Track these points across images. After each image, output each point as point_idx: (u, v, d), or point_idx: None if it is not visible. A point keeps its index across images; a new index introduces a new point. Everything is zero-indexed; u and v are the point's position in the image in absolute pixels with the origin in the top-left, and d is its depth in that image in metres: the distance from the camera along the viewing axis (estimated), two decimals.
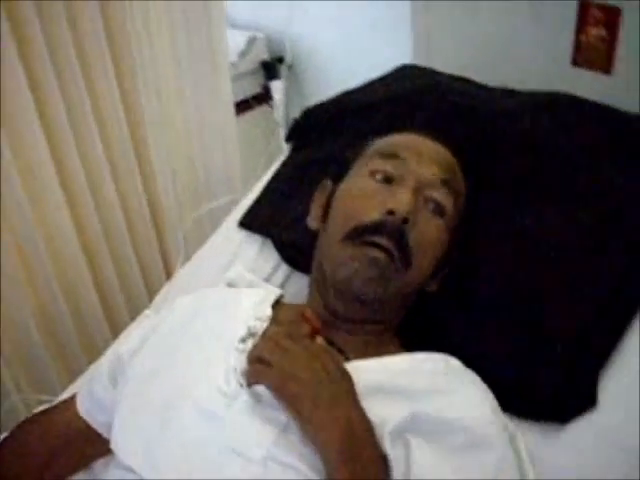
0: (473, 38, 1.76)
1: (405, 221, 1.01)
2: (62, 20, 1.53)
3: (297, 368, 0.88)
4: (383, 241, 1.00)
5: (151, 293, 1.87)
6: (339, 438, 0.84)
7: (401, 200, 1.02)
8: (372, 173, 1.09)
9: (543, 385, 1.06)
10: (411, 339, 1.11)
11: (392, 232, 1.00)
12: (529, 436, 1.03)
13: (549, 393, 1.06)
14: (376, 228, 1.01)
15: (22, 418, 1.19)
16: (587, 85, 1.42)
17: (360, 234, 1.02)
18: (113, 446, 1.00)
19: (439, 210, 1.06)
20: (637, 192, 1.18)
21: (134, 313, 1.69)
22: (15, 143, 1.53)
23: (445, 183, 1.08)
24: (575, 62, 1.56)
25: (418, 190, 1.05)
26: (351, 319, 1.07)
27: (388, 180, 1.07)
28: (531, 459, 0.99)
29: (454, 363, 1.04)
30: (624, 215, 1.16)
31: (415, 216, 1.03)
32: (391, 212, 1.01)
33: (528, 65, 1.62)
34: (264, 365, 0.90)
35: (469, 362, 1.04)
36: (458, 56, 1.74)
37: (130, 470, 0.94)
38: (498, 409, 0.99)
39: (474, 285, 1.17)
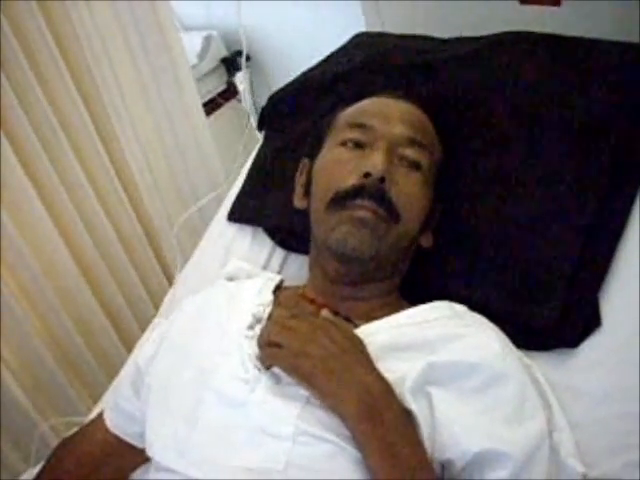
0: None
1: (382, 180, 1.03)
2: (16, 47, 1.55)
3: (306, 345, 0.91)
4: (365, 203, 1.03)
5: (155, 301, 1.91)
6: (357, 403, 0.87)
7: (375, 161, 1.05)
8: (343, 143, 1.12)
9: (547, 315, 1.08)
10: (414, 297, 1.12)
11: (372, 193, 1.03)
12: (543, 365, 1.05)
13: (554, 321, 1.08)
14: (356, 192, 1.04)
15: (54, 444, 1.22)
16: (537, 21, 1.43)
17: (341, 200, 1.05)
18: (148, 450, 1.03)
19: (414, 165, 1.09)
20: (605, 112, 1.19)
21: (142, 324, 1.72)
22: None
23: (415, 139, 1.10)
24: (523, 0, 1.58)
25: (390, 150, 1.07)
26: (354, 281, 1.09)
27: (360, 146, 1.10)
28: (550, 386, 1.02)
29: (459, 308, 1.06)
30: (598, 136, 1.17)
31: (392, 174, 1.05)
32: (367, 174, 1.04)
33: (478, 11, 1.63)
34: (274, 348, 0.93)
35: (473, 307, 1.07)
36: (409, 15, 1.75)
37: (169, 470, 0.96)
38: (509, 343, 1.02)
39: (466, 233, 1.19)
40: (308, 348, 0.91)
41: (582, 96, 1.21)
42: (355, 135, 1.11)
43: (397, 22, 1.69)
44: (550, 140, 1.19)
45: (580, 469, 0.94)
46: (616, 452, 0.98)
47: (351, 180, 1.05)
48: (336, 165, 1.10)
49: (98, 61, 1.78)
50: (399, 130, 1.10)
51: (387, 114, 1.13)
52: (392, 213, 1.04)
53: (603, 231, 1.12)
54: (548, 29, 1.36)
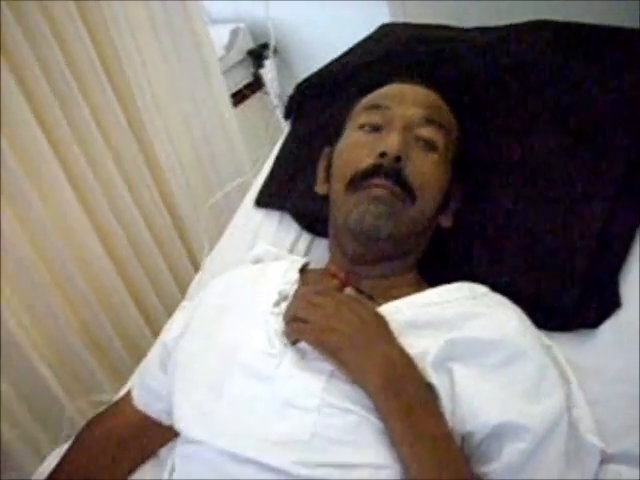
0: None
1: (398, 159, 1.06)
2: (51, 40, 1.60)
3: (331, 320, 0.94)
4: (381, 181, 1.06)
5: (181, 287, 1.93)
6: (381, 376, 0.90)
7: (390, 141, 1.08)
8: (361, 126, 1.15)
9: (568, 296, 1.11)
10: (434, 277, 1.15)
11: (388, 172, 1.06)
12: (564, 345, 1.08)
13: (575, 302, 1.10)
14: (372, 172, 1.07)
15: (81, 425, 1.25)
16: (559, 10, 1.44)
17: (359, 181, 1.08)
18: (175, 424, 1.06)
19: (430, 146, 1.12)
20: (623, 98, 1.21)
21: (169, 308, 1.76)
22: (29, 169, 1.60)
23: (430, 119, 1.13)
24: None
25: (406, 130, 1.10)
26: (372, 260, 1.12)
27: (376, 129, 1.13)
28: (571, 367, 1.04)
29: (480, 289, 1.08)
30: (617, 121, 1.19)
31: (408, 154, 1.08)
32: (383, 154, 1.07)
33: (500, 2, 1.65)
34: (300, 323, 0.96)
35: (494, 288, 1.09)
36: (432, 6, 1.77)
37: (195, 442, 1.00)
38: (529, 323, 1.04)
39: (489, 215, 1.21)
40: (333, 323, 0.94)
41: (601, 84, 1.23)
42: (372, 117, 1.15)
43: (421, 13, 1.72)
44: (570, 126, 1.21)
45: (599, 444, 0.96)
46: (634, 429, 1.00)
47: (368, 161, 1.09)
48: (354, 148, 1.14)
49: (128, 53, 1.82)
50: (414, 111, 1.13)
51: (403, 96, 1.16)
52: (408, 192, 1.07)
53: (623, 214, 1.14)
54: (569, 18, 1.38)
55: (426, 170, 1.10)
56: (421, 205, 1.09)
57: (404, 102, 1.14)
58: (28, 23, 1.55)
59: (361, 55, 1.52)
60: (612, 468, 0.98)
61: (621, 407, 1.02)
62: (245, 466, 0.92)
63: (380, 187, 1.06)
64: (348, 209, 1.09)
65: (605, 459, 0.98)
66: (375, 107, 1.16)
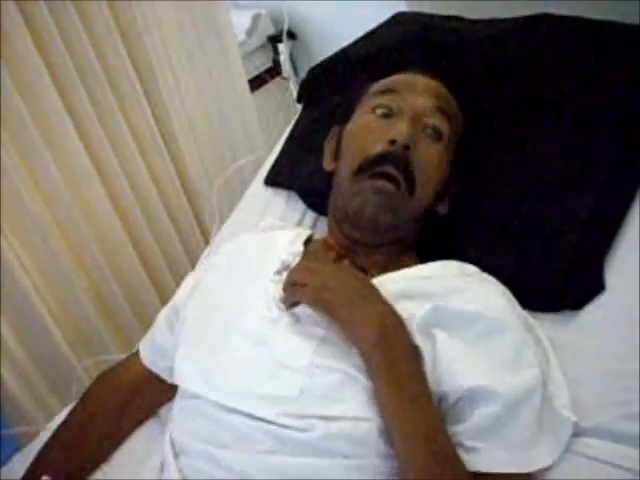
0: None
1: (406, 147, 1.11)
2: (77, 23, 1.66)
3: (327, 281, 1.00)
4: (390, 169, 1.11)
5: (192, 258, 2.01)
6: (375, 330, 0.95)
7: (401, 129, 1.13)
8: (373, 109, 1.21)
9: (554, 279, 1.16)
10: (428, 257, 1.19)
11: (397, 160, 1.11)
12: (548, 325, 1.13)
13: (561, 285, 1.15)
14: (382, 158, 1.12)
15: (86, 383, 1.32)
16: (569, 6, 1.48)
17: (368, 167, 1.13)
18: (175, 378, 1.14)
19: (437, 135, 1.17)
20: (620, 93, 1.26)
21: (178, 279, 1.82)
22: (50, 142, 1.67)
23: (439, 109, 1.18)
24: None
25: (415, 119, 1.15)
26: (368, 244, 1.17)
27: (387, 115, 1.18)
28: (552, 346, 1.08)
29: (469, 268, 1.14)
30: (610, 113, 1.24)
31: (415, 142, 1.13)
32: (393, 141, 1.12)
33: None
34: (299, 287, 1.02)
35: (484, 269, 1.14)
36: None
37: (193, 397, 1.07)
38: (514, 301, 1.09)
39: (480, 201, 1.27)
40: (330, 283, 1.00)
41: (602, 78, 1.28)
42: (384, 100, 1.20)
43: (436, 3, 1.76)
44: (566, 117, 1.26)
45: (571, 417, 1.00)
46: (611, 406, 1.05)
47: (378, 147, 1.14)
48: (365, 131, 1.19)
49: (150, 34, 1.88)
50: (424, 100, 1.18)
51: (414, 85, 1.21)
52: (409, 184, 1.12)
53: (610, 202, 1.19)
54: (580, 11, 1.41)
55: (429, 159, 1.15)
56: (419, 196, 1.14)
57: (415, 91, 1.19)
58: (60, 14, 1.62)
59: (372, 43, 1.57)
60: (584, 441, 1.03)
61: (599, 385, 1.07)
62: (235, 416, 0.99)
63: (386, 176, 1.11)
64: (351, 194, 1.14)
65: (578, 432, 1.02)
66: (388, 91, 1.21)
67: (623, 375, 1.06)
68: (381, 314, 0.97)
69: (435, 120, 1.17)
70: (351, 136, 1.22)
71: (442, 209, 1.23)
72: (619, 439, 1.03)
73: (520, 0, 1.57)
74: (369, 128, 1.19)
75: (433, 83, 1.23)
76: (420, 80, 1.23)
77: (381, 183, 1.11)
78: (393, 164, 1.11)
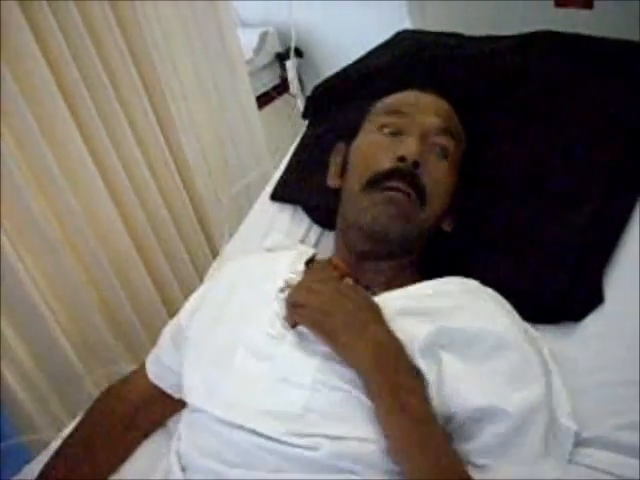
0: None
1: (416, 165, 1.14)
2: (84, 34, 1.69)
3: (327, 305, 1.02)
4: (399, 184, 1.13)
5: (199, 272, 2.03)
6: (371, 357, 0.97)
7: (410, 147, 1.15)
8: (380, 128, 1.23)
9: (554, 292, 1.18)
10: (431, 273, 1.20)
11: (405, 176, 1.14)
12: (548, 337, 1.14)
13: (560, 298, 1.17)
14: (391, 174, 1.14)
15: (94, 395, 1.33)
16: (571, 22, 1.50)
17: (377, 182, 1.15)
18: (183, 394, 1.16)
19: (444, 153, 1.19)
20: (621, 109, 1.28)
21: (186, 292, 1.84)
22: (59, 155, 1.69)
23: (446, 129, 1.21)
24: (558, 3, 1.66)
25: (423, 138, 1.18)
26: (377, 257, 1.19)
27: (395, 133, 1.20)
28: (553, 357, 1.09)
29: (472, 283, 1.15)
30: (612, 126, 1.27)
31: (424, 160, 1.15)
32: (402, 159, 1.14)
33: (515, 13, 1.71)
34: (299, 307, 1.04)
35: (484, 283, 1.15)
36: (450, 15, 1.84)
37: (199, 411, 1.09)
38: (517, 317, 1.10)
39: (481, 215, 1.29)
40: (329, 307, 1.01)
41: (601, 92, 1.31)
42: (392, 120, 1.22)
43: (439, 21, 1.79)
44: (565, 131, 1.29)
45: (573, 427, 1.02)
46: (611, 416, 1.06)
47: (387, 163, 1.16)
48: (373, 148, 1.21)
49: (158, 50, 1.91)
50: (432, 119, 1.21)
51: (421, 104, 1.24)
52: (421, 196, 1.15)
53: (610, 215, 1.21)
54: (580, 30, 1.43)
55: (439, 176, 1.18)
56: (430, 209, 1.16)
57: (422, 110, 1.22)
58: (64, 19, 1.64)
59: (376, 60, 1.60)
60: (584, 451, 1.04)
61: (599, 395, 1.08)
62: (242, 433, 1.00)
63: (397, 190, 1.13)
64: (362, 207, 1.16)
65: (579, 443, 1.03)
66: (395, 112, 1.23)
67: (622, 385, 1.08)
68: (379, 339, 0.98)
69: (442, 139, 1.20)
70: (358, 153, 1.24)
71: (447, 226, 1.25)
72: (619, 449, 1.04)
73: (521, 17, 1.59)
74: (377, 145, 1.21)
75: (439, 102, 1.26)
76: (426, 99, 1.26)
77: (392, 193, 1.13)
78: (402, 180, 1.13)
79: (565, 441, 1.01)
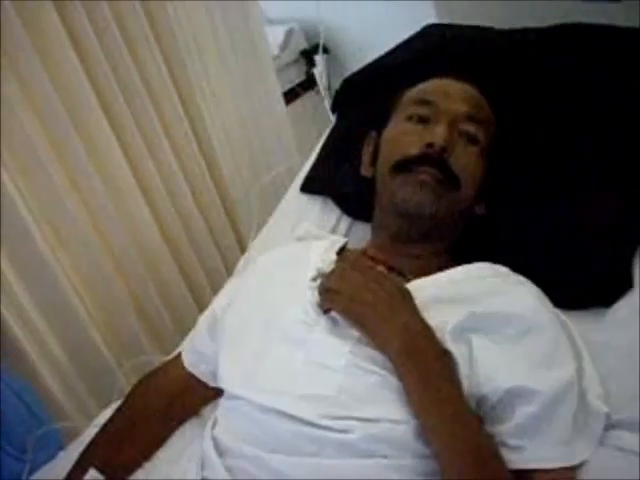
0: None
1: (444, 150, 1.15)
2: (117, 34, 1.73)
3: (359, 291, 1.04)
4: (428, 169, 1.15)
5: (228, 266, 2.06)
6: (400, 342, 0.99)
7: (438, 134, 1.17)
8: (409, 118, 1.25)
9: (585, 277, 1.20)
10: (461, 259, 1.22)
11: (434, 161, 1.16)
12: (579, 322, 1.15)
13: (591, 283, 1.20)
14: (419, 160, 1.17)
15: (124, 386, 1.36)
16: (598, 16, 1.51)
17: (405, 165, 1.18)
18: (219, 382, 1.18)
19: (472, 140, 1.21)
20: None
21: (214, 285, 1.87)
22: (93, 153, 1.73)
23: (473, 116, 1.22)
24: None
25: (451, 125, 1.19)
26: (412, 238, 1.21)
27: (423, 121, 1.22)
28: (583, 342, 1.11)
29: (501, 268, 1.16)
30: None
31: (452, 147, 1.17)
32: (430, 145, 1.16)
33: (543, 8, 1.72)
34: (332, 294, 1.06)
35: (515, 270, 1.17)
36: (477, 9, 1.85)
37: (236, 398, 1.11)
38: (547, 301, 1.11)
39: (513, 203, 1.31)
40: (361, 294, 1.04)
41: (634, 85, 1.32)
42: (420, 110, 1.24)
43: (466, 17, 1.79)
44: (597, 123, 1.30)
45: (604, 409, 1.04)
46: (637, 398, 1.06)
47: (416, 149, 1.18)
48: (402, 136, 1.23)
49: (189, 49, 1.96)
50: (459, 107, 1.22)
51: (448, 92, 1.25)
52: (452, 180, 1.16)
53: (638, 203, 1.22)
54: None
55: (467, 161, 1.19)
56: (464, 192, 1.18)
57: (450, 98, 1.23)
58: (98, 20, 1.69)
59: (404, 53, 1.61)
60: (614, 433, 1.05)
61: (629, 379, 1.09)
62: (279, 418, 1.02)
63: (426, 174, 1.15)
64: (394, 189, 1.19)
65: (609, 425, 1.05)
66: (423, 102, 1.25)
67: None
68: (407, 325, 1.00)
69: (470, 127, 1.21)
70: (388, 141, 1.27)
71: (479, 209, 1.27)
72: None
73: (548, 11, 1.60)
74: (406, 133, 1.23)
75: (467, 88, 1.27)
76: (454, 86, 1.27)
77: (422, 177, 1.15)
78: (431, 165, 1.15)
79: (596, 423, 1.03)
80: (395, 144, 1.23)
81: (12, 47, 1.52)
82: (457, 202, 1.19)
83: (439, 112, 1.21)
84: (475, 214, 1.27)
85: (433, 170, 1.15)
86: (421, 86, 1.31)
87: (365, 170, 1.33)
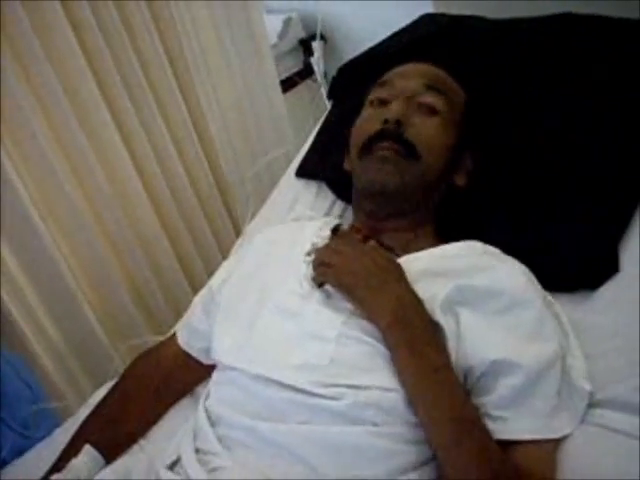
0: None
1: (399, 123, 1.19)
2: (118, 23, 1.76)
3: (350, 264, 1.07)
4: (385, 143, 1.18)
5: (222, 249, 2.09)
6: (391, 313, 1.02)
7: (392, 109, 1.21)
8: (371, 102, 1.29)
9: (572, 260, 1.22)
10: (450, 239, 1.24)
11: (390, 134, 1.19)
12: (565, 304, 1.17)
13: (578, 266, 1.22)
14: (377, 136, 1.20)
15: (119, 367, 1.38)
16: (591, 8, 1.53)
17: (367, 146, 1.21)
18: (213, 354, 1.20)
19: (431, 110, 1.23)
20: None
21: (209, 268, 1.89)
22: (92, 138, 1.75)
23: (430, 87, 1.25)
24: None
25: (408, 100, 1.23)
26: (387, 215, 1.23)
27: (383, 103, 1.26)
28: (571, 323, 1.14)
29: (492, 249, 1.19)
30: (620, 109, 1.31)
31: (408, 119, 1.20)
32: (386, 121, 1.20)
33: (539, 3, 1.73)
34: (325, 267, 1.09)
35: (507, 251, 1.19)
36: (472, 1, 1.87)
37: (228, 369, 1.14)
38: (535, 280, 1.14)
39: (499, 184, 1.33)
40: (352, 266, 1.07)
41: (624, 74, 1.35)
42: (379, 93, 1.28)
43: (462, 7, 1.81)
44: (585, 106, 1.33)
45: (587, 388, 1.06)
46: (624, 378, 1.09)
47: (374, 128, 1.21)
48: (364, 121, 1.27)
49: (188, 36, 1.98)
50: (414, 82, 1.25)
51: (406, 71, 1.29)
52: (411, 151, 1.18)
53: (625, 189, 1.25)
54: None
55: (427, 131, 1.21)
56: (425, 161, 1.19)
57: (406, 75, 1.27)
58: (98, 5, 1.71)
59: (398, 41, 1.64)
60: (597, 412, 1.08)
61: (613, 359, 1.12)
62: (271, 387, 1.05)
63: (384, 149, 1.18)
64: (361, 172, 1.23)
65: (593, 403, 1.08)
66: (382, 84, 1.29)
67: (636, 350, 1.11)
68: (398, 296, 1.03)
69: (427, 97, 1.23)
70: (354, 130, 1.30)
71: (459, 180, 1.28)
72: (633, 410, 1.07)
73: (542, 2, 1.62)
74: (367, 117, 1.27)
75: (424, 66, 1.30)
76: (411, 67, 1.30)
77: (381, 153, 1.18)
78: (388, 138, 1.18)
79: (579, 400, 1.06)
80: (359, 130, 1.27)
81: (15, 36, 1.55)
82: (422, 173, 1.20)
83: (396, 91, 1.25)
84: (456, 184, 1.28)
85: (390, 144, 1.18)
86: (388, 72, 1.34)
87: (346, 164, 1.35)
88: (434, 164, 1.21)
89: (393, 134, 1.19)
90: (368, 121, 1.25)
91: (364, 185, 1.22)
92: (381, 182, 1.18)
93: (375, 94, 1.29)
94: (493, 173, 1.33)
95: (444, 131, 1.23)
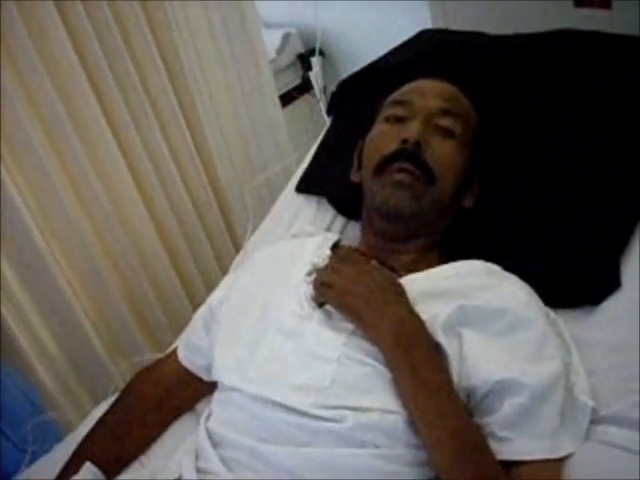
0: None
1: (418, 144, 1.18)
2: (115, 32, 1.76)
3: (352, 284, 1.07)
4: (403, 164, 1.18)
5: (222, 265, 2.08)
6: (392, 334, 1.02)
7: (412, 129, 1.21)
8: (387, 119, 1.28)
9: (574, 276, 1.22)
10: (453, 257, 1.24)
11: (408, 156, 1.18)
12: (567, 320, 1.18)
13: (579, 282, 1.22)
14: (395, 156, 1.20)
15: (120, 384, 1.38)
16: (590, 22, 1.54)
17: (384, 166, 1.20)
18: (214, 374, 1.20)
19: (448, 133, 1.23)
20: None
21: (208, 284, 1.89)
22: (90, 151, 1.75)
23: (447, 109, 1.25)
24: (578, 3, 1.70)
25: (426, 121, 1.22)
26: (399, 237, 1.23)
27: (400, 121, 1.26)
28: (573, 339, 1.14)
29: (493, 266, 1.19)
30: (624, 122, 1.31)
31: (427, 141, 1.20)
32: (405, 141, 1.19)
33: (535, 13, 1.75)
34: (326, 287, 1.09)
35: (506, 268, 1.19)
36: (471, 15, 1.88)
37: (230, 389, 1.13)
38: (536, 297, 1.14)
39: (502, 201, 1.33)
40: (353, 287, 1.07)
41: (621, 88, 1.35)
42: (396, 110, 1.27)
43: (461, 23, 1.83)
44: (586, 124, 1.33)
45: (590, 404, 1.06)
46: (627, 394, 1.09)
47: (392, 147, 1.21)
48: (380, 137, 1.27)
49: (186, 50, 1.98)
50: (433, 103, 1.25)
51: (423, 91, 1.28)
52: (428, 174, 1.19)
53: (626, 205, 1.25)
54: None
55: (444, 153, 1.21)
56: (441, 185, 1.20)
57: (424, 95, 1.27)
58: (97, 18, 1.71)
59: (398, 57, 1.64)
60: (600, 428, 1.07)
61: (615, 375, 1.12)
62: (272, 409, 1.04)
63: (402, 172, 1.18)
64: (375, 191, 1.22)
65: (595, 420, 1.07)
66: (399, 102, 1.29)
67: (631, 365, 1.11)
68: (399, 317, 1.03)
69: (445, 121, 1.24)
70: (368, 144, 1.30)
71: (468, 202, 1.29)
72: (633, 425, 1.07)
73: (541, 17, 1.63)
74: (383, 134, 1.27)
75: (441, 85, 1.30)
76: (428, 85, 1.30)
77: (399, 176, 1.18)
78: (406, 159, 1.18)
79: (582, 418, 1.06)
80: (374, 146, 1.27)
81: (14, 47, 1.55)
82: (437, 196, 1.20)
83: (414, 110, 1.24)
84: (464, 207, 1.29)
85: (408, 165, 1.18)
86: (401, 88, 1.34)
87: (353, 175, 1.36)
88: (448, 188, 1.22)
89: (411, 155, 1.18)
90: (385, 138, 1.25)
91: (378, 205, 1.21)
92: (396, 206, 1.18)
93: (392, 110, 1.29)
94: (495, 192, 1.33)
95: (459, 154, 1.24)
